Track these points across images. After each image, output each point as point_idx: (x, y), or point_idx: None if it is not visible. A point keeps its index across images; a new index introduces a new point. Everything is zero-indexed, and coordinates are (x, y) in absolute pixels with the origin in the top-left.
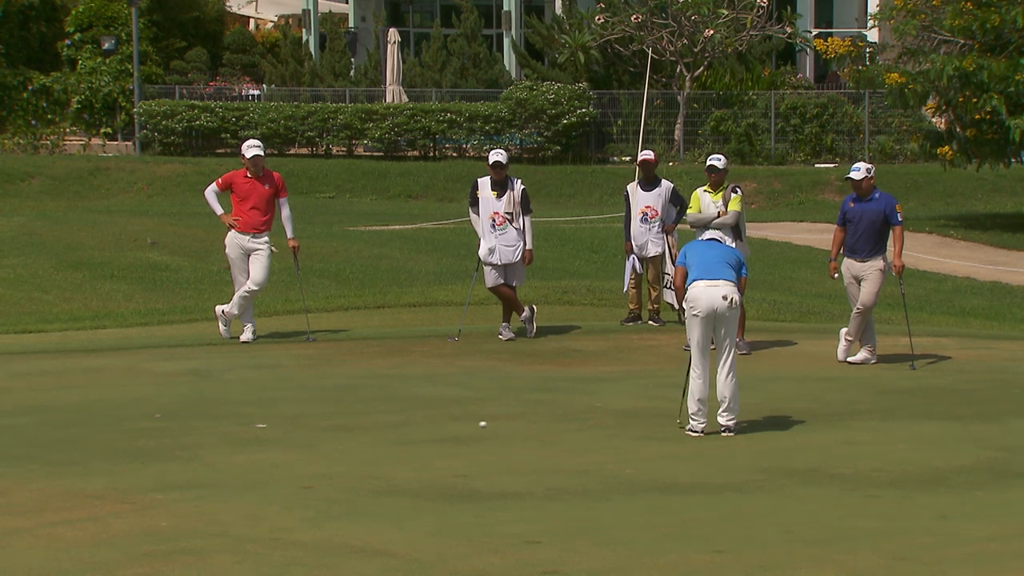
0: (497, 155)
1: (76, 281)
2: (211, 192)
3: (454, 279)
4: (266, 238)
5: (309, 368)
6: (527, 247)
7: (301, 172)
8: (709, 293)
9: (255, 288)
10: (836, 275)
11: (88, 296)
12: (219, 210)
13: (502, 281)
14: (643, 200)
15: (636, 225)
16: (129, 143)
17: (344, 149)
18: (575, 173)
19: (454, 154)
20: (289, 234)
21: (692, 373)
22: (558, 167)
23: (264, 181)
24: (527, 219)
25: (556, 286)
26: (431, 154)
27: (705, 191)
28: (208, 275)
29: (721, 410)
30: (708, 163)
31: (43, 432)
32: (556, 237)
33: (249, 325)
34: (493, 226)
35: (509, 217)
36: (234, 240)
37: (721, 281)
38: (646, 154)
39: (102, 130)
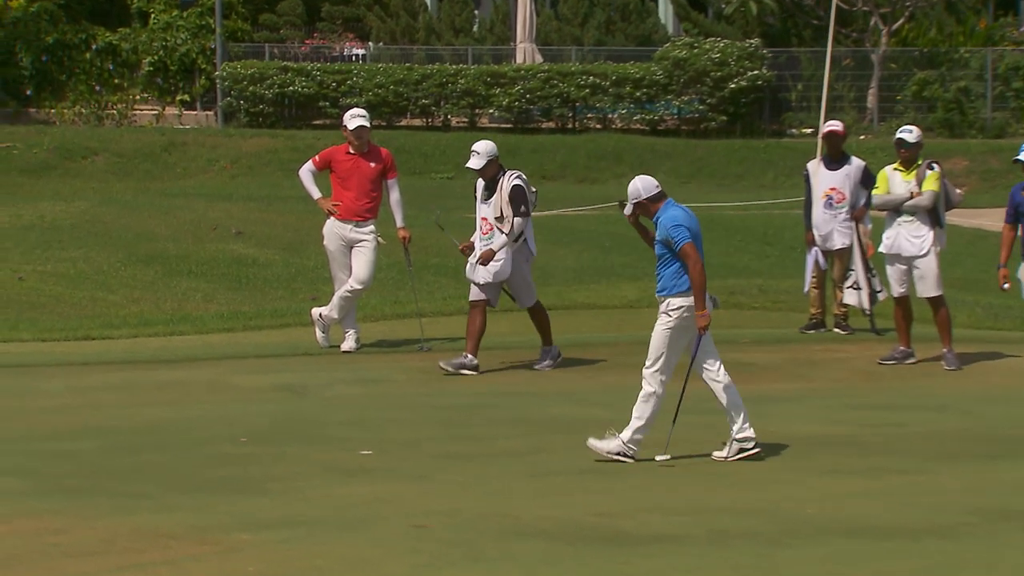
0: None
1: (147, 278)
2: (307, 172)
3: (597, 277)
4: (372, 227)
5: (423, 384)
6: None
7: (414, 148)
8: None
9: (359, 287)
10: (1006, 285)
11: (161, 296)
12: (316, 193)
13: (484, 297)
14: (827, 181)
15: (819, 211)
16: (210, 113)
17: (465, 120)
18: (744, 148)
19: (598, 126)
20: (399, 222)
21: (658, 394)
22: (723, 141)
23: (370, 158)
24: (517, 221)
25: (720, 286)
26: (570, 126)
27: (895, 169)
28: (303, 272)
29: (743, 424)
30: (897, 136)
31: (109, 459)
32: (720, 226)
33: (352, 332)
34: (482, 235)
35: (498, 223)
36: (334, 229)
37: None
38: (833, 125)
39: (178, 97)
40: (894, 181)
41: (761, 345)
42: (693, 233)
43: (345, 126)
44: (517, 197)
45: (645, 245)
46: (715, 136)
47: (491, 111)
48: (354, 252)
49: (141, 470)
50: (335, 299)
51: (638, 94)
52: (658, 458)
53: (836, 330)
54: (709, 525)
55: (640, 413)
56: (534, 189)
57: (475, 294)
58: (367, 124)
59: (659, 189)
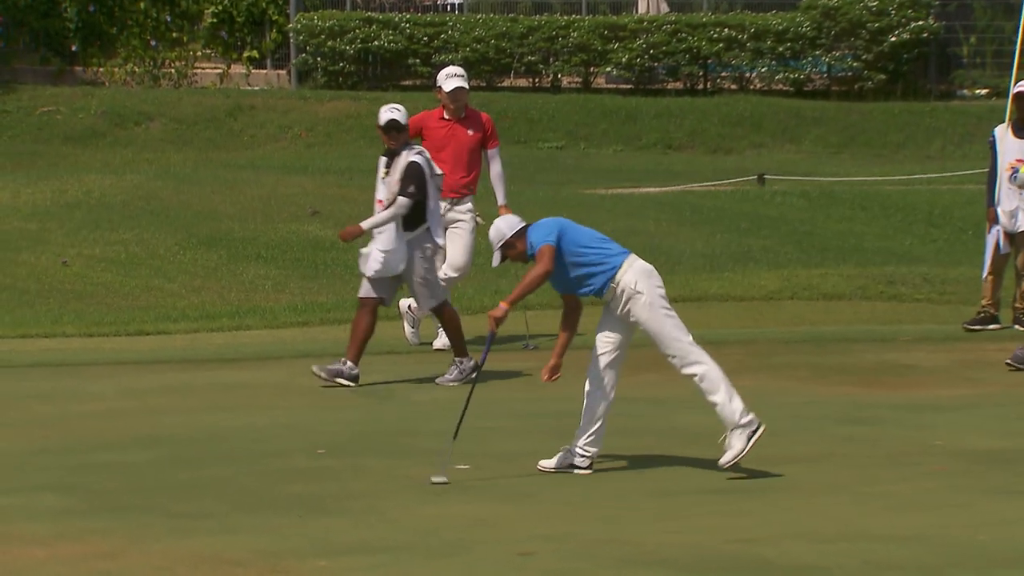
0: (389, 112)
1: (210, 264)
2: None
3: (732, 263)
4: (469, 205)
5: (526, 388)
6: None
7: (518, 112)
8: None
9: (454, 275)
10: None
11: (226, 284)
12: None
13: (376, 295)
14: (1014, 151)
15: (1005, 185)
16: (282, 72)
17: (578, 80)
18: (906, 113)
19: (733, 86)
20: (500, 200)
21: (710, 367)
22: (881, 104)
23: (468, 125)
24: (400, 200)
25: (877, 273)
26: (700, 86)
27: None
28: None
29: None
30: (1015, 90)
31: (165, 472)
32: (878, 204)
33: None
34: None
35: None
36: None
37: None
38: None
39: (245, 54)
40: None
41: (924, 343)
42: (562, 231)
43: (440, 87)
44: (409, 176)
45: (782, 229)
46: (872, 98)
47: (608, 69)
48: (449, 234)
49: (201, 486)
50: None
51: (781, 49)
52: (434, 479)
53: (1016, 327)
54: (863, 555)
55: (718, 400)
56: (440, 172)
57: (365, 290)
58: (465, 85)
59: (523, 224)
